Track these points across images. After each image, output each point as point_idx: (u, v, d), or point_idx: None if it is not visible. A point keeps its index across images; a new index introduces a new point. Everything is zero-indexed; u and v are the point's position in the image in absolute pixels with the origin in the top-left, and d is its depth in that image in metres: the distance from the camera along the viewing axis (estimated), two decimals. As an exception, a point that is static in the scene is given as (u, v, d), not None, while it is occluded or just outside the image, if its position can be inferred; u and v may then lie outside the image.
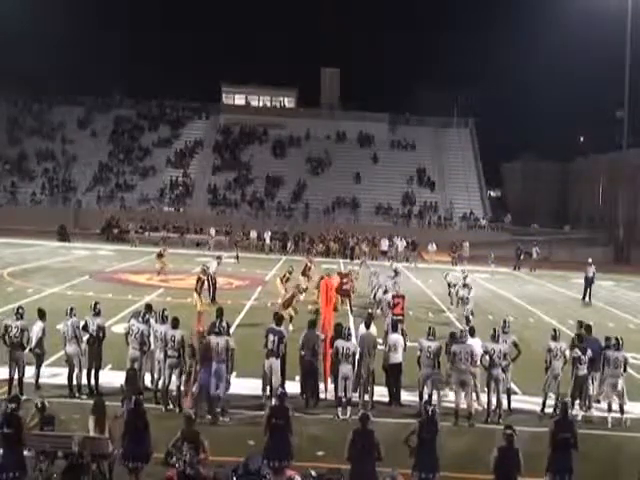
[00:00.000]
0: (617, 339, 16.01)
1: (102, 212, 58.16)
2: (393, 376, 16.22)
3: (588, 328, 17.11)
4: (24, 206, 60.84)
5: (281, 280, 26.02)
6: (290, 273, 26.60)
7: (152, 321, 15.98)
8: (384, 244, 51.06)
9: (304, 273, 28.53)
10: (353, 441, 10.61)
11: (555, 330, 16.53)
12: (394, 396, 16.17)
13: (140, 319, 15.92)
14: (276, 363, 15.38)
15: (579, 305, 33.34)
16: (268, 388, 15.38)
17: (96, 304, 16.41)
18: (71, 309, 15.90)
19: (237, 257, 43.93)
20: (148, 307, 16.82)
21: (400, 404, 16.04)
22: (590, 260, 36.23)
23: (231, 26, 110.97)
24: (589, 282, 35.00)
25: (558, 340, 16.02)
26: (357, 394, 15.68)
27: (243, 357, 16.43)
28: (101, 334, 15.88)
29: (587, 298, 34.57)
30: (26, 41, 74.99)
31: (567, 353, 15.91)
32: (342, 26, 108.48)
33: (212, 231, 51.40)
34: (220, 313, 16.27)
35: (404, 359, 16.25)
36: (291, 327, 17.74)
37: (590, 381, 16.22)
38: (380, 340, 16.84)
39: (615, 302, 34.82)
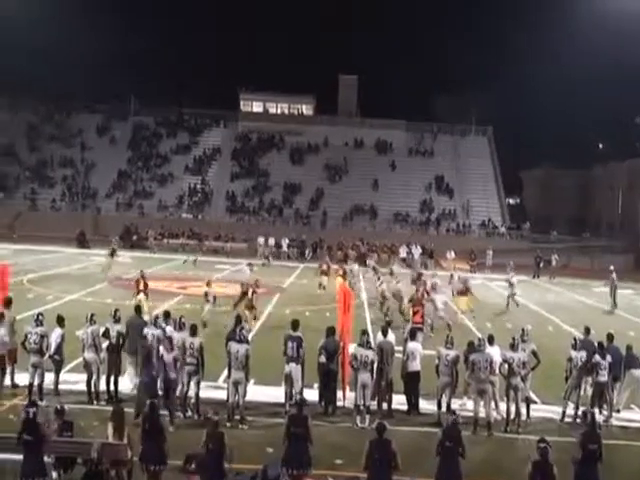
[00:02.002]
0: None
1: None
2: (411, 384, 16.16)
3: (610, 337, 16.95)
4: (44, 213, 61.19)
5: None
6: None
7: (169, 328, 16.03)
8: (402, 251, 50.96)
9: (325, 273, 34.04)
10: (370, 451, 10.56)
11: (575, 339, 16.46)
12: (412, 404, 16.12)
13: (153, 326, 15.94)
14: (296, 369, 15.37)
15: (599, 313, 33.10)
16: (288, 394, 15.38)
17: (116, 311, 16.48)
18: (91, 316, 15.96)
19: (195, 261, 44.26)
20: (166, 314, 16.93)
21: (419, 412, 15.98)
22: (612, 267, 36.16)
23: (249, 33, 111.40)
24: (613, 289, 35.15)
25: (578, 349, 15.92)
26: (375, 402, 15.66)
27: (261, 365, 16.43)
28: (121, 341, 15.94)
29: (614, 305, 34.80)
30: (46, 49, 75.47)
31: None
32: (360, 33, 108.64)
33: (261, 240, 51.34)
34: (239, 321, 16.32)
35: (422, 367, 16.20)
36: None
37: (610, 389, 16.11)
38: (399, 348, 16.78)
39: (636, 310, 34.52)
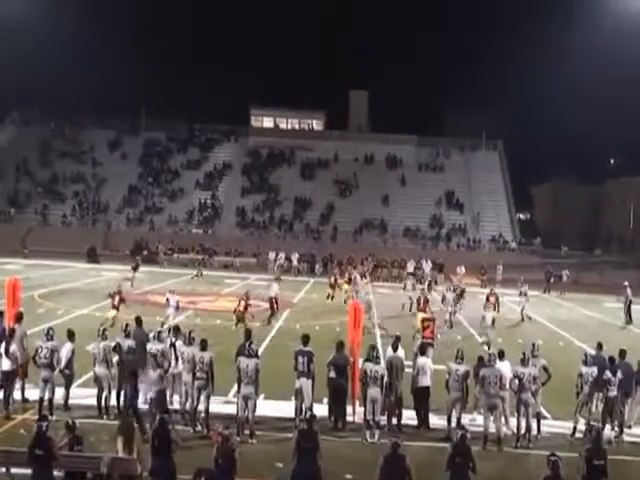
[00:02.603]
0: None
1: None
2: (421, 399, 16.12)
3: (622, 353, 16.84)
4: (55, 228, 61.42)
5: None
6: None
7: (179, 343, 16.05)
8: (410, 266, 50.85)
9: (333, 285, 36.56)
10: (383, 466, 10.54)
11: (586, 354, 16.36)
12: (422, 420, 16.06)
13: (156, 340, 15.94)
14: (307, 384, 15.37)
15: (610, 328, 32.93)
16: (298, 409, 15.37)
17: (127, 326, 16.52)
18: (103, 331, 15.99)
19: (200, 274, 44.31)
20: (176, 329, 16.92)
21: (429, 428, 15.92)
22: (627, 282, 36.15)
23: (259, 49, 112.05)
24: (628, 304, 35.17)
25: (589, 365, 15.85)
26: (385, 417, 15.62)
27: (271, 379, 16.42)
28: (131, 356, 15.94)
29: (628, 320, 34.74)
30: (58, 65, 76.06)
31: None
32: (370, 49, 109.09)
33: (271, 255, 51.39)
34: (248, 335, 16.34)
35: (432, 382, 16.17)
36: None
37: (622, 404, 16.02)
38: (409, 363, 16.73)
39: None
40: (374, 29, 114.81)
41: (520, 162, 77.38)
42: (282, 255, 51.81)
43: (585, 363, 15.91)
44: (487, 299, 30.09)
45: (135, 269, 37.62)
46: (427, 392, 16.08)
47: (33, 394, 15.69)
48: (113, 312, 24.98)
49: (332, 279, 37.28)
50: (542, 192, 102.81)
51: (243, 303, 26.43)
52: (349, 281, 35.46)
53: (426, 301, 28.06)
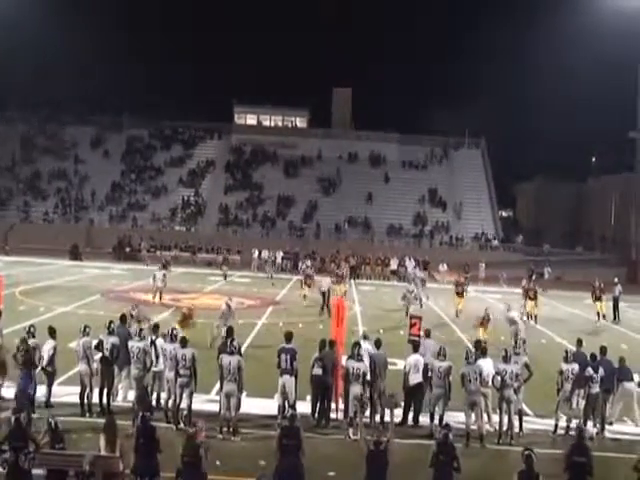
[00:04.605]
0: None
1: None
2: (414, 397, 16.11)
3: (603, 349, 16.91)
4: (37, 225, 61.10)
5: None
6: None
7: (160, 340, 15.99)
8: (394, 264, 50.93)
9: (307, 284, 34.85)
10: (367, 460, 10.65)
11: (567, 351, 16.44)
12: (414, 417, 16.09)
13: (137, 337, 15.89)
14: (290, 381, 15.33)
15: (591, 326, 33.08)
16: (282, 406, 15.35)
17: (110, 323, 16.43)
18: (84, 328, 15.88)
19: (225, 276, 44.11)
20: (155, 326, 16.83)
21: (417, 424, 15.95)
22: (616, 279, 36.51)
23: (242, 46, 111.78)
24: (616, 301, 35.39)
25: (570, 362, 15.93)
26: (368, 414, 15.64)
27: (254, 377, 16.39)
28: (115, 353, 15.87)
29: (616, 318, 34.93)
30: (41, 62, 75.61)
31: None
32: (354, 47, 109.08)
33: (255, 252, 51.20)
34: (230, 332, 16.29)
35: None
36: None
37: (603, 401, 16.11)
38: (395, 361, 16.72)
39: (629, 323, 34.54)
40: (358, 27, 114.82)
41: (502, 160, 77.69)
42: (271, 253, 51.58)
43: (565, 360, 15.98)
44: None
45: (165, 267, 36.96)
46: (420, 389, 16.10)
47: (13, 393, 15.57)
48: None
49: (305, 277, 35.51)
50: (524, 190, 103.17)
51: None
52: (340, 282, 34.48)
53: (488, 320, 26.92)
